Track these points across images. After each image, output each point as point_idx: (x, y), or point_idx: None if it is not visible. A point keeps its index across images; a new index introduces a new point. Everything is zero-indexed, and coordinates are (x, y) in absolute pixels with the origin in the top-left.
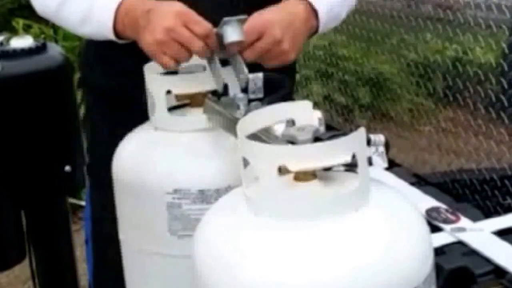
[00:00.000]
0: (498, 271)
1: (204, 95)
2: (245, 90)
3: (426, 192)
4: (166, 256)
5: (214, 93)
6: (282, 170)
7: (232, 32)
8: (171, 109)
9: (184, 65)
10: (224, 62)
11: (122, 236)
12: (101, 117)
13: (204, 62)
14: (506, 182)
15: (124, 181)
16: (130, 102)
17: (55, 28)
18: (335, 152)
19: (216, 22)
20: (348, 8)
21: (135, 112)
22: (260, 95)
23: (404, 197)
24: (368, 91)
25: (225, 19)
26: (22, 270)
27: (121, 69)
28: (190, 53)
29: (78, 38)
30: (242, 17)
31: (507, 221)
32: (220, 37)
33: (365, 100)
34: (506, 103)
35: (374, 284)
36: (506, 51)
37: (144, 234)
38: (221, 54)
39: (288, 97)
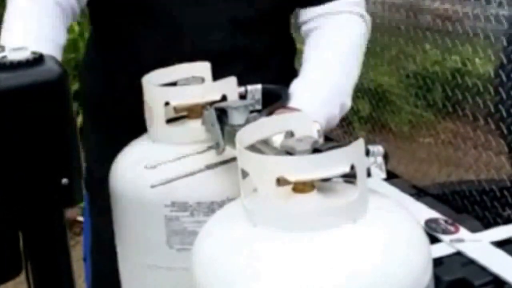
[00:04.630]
0: (497, 281)
1: (202, 106)
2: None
3: (425, 203)
4: (164, 269)
5: (212, 104)
6: (280, 181)
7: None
8: (169, 121)
9: (182, 77)
10: None
11: (119, 248)
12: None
13: (202, 74)
14: (506, 193)
15: (121, 193)
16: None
17: None
18: (334, 163)
19: None
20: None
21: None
22: (259, 107)
23: (403, 208)
24: (367, 103)
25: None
26: (16, 286)
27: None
28: None
29: (73, 50)
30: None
31: (506, 232)
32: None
33: (365, 112)
34: (505, 114)
35: None
36: (504, 61)
37: (141, 246)
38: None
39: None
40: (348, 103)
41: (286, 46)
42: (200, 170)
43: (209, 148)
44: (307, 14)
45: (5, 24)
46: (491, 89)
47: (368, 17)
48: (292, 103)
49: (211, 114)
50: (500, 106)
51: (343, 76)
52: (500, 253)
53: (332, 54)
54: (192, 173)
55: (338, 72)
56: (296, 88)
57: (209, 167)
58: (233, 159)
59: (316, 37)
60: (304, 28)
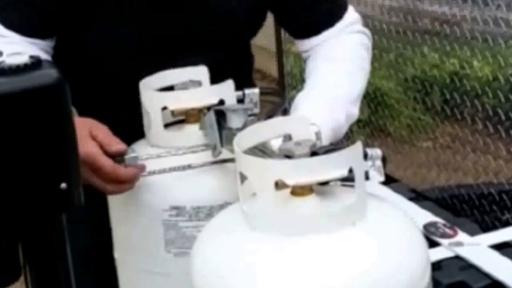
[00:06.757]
0: (496, 285)
1: (200, 110)
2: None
3: (424, 207)
4: (163, 274)
5: (210, 108)
6: (279, 185)
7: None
8: (167, 125)
9: (180, 81)
10: None
11: (117, 255)
12: None
13: (199, 77)
14: (504, 196)
15: (119, 198)
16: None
17: None
18: (332, 166)
19: None
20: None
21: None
22: (256, 110)
23: (402, 212)
24: (366, 107)
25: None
26: None
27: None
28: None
29: None
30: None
31: (504, 235)
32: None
33: (363, 116)
34: (503, 117)
35: None
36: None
37: (140, 252)
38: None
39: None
40: (355, 112)
41: (244, 62)
42: (194, 166)
43: (206, 146)
44: (306, 44)
45: None
46: (489, 92)
47: (368, 31)
48: (296, 113)
49: (210, 116)
50: (499, 109)
51: (347, 85)
52: (499, 256)
53: (335, 65)
54: (185, 167)
55: (341, 81)
56: (301, 99)
57: (203, 164)
58: (230, 159)
59: (318, 52)
60: (305, 55)
